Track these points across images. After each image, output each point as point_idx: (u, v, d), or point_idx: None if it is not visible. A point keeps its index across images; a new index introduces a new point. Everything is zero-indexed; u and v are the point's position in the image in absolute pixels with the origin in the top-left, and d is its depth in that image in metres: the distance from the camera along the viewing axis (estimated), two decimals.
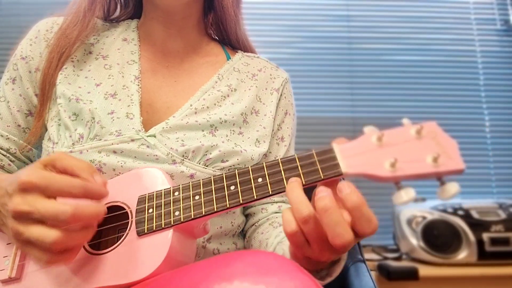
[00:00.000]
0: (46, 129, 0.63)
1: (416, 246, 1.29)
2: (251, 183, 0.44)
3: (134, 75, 0.63)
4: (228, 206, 0.44)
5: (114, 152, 0.55)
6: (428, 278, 1.22)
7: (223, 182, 0.45)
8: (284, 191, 0.42)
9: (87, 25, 0.64)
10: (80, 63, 0.64)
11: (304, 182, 0.41)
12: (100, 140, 0.56)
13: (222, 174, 0.46)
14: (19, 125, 0.63)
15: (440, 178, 0.38)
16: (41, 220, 0.39)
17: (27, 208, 0.38)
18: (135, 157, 0.55)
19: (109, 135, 0.56)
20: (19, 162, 0.65)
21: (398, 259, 1.35)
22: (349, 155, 0.41)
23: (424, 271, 1.22)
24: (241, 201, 0.43)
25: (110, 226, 0.50)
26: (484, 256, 1.24)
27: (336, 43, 1.81)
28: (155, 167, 0.52)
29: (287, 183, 0.42)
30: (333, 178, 0.41)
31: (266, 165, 0.44)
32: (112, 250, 0.46)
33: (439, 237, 1.28)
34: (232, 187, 0.44)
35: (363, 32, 1.82)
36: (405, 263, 1.30)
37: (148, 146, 0.56)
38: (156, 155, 0.56)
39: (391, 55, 1.81)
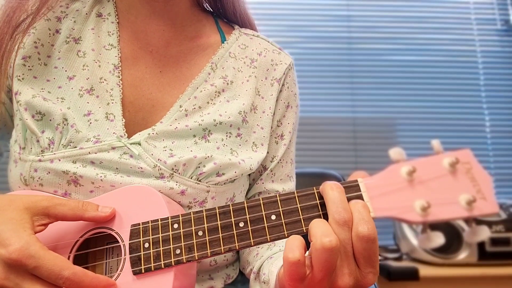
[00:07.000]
0: (12, 120, 0.53)
1: (416, 246, 1.29)
2: (264, 222, 0.39)
3: (113, 64, 0.53)
4: (237, 247, 0.39)
5: (92, 162, 0.47)
6: (429, 278, 1.22)
7: (231, 217, 0.40)
8: (302, 234, 0.38)
9: None
10: (45, 48, 0.52)
11: None
12: (75, 147, 0.48)
13: (229, 206, 0.40)
14: None
15: (469, 219, 0.36)
16: None
17: (11, 286, 0.36)
18: (116, 168, 0.48)
19: (86, 142, 0.48)
20: None
21: (398, 259, 1.34)
22: (377, 195, 0.38)
23: (424, 271, 1.22)
24: (252, 243, 0.39)
25: (101, 263, 0.45)
26: (484, 256, 1.24)
27: (336, 43, 1.81)
28: (148, 186, 0.46)
29: (304, 224, 0.38)
30: None
31: (280, 200, 0.40)
32: None
33: None
34: (241, 224, 0.39)
35: (363, 32, 1.82)
36: (405, 263, 1.30)
37: (131, 156, 0.48)
38: (141, 168, 0.48)
39: (391, 55, 1.81)
